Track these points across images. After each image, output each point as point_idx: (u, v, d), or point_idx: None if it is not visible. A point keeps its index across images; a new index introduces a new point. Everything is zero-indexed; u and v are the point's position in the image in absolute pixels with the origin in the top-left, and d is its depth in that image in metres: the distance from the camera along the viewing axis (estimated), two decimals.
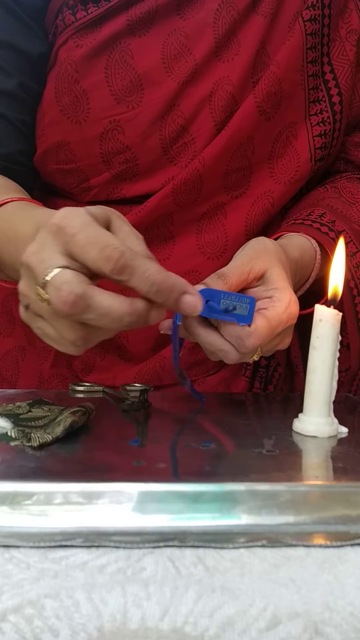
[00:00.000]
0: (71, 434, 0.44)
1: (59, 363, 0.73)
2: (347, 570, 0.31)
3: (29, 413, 0.51)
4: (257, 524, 0.34)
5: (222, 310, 0.45)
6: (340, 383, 0.66)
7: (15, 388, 0.76)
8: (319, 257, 0.59)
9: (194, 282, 0.68)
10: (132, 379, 0.67)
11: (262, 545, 0.32)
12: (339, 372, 0.63)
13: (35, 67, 0.66)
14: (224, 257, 0.67)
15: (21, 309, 0.43)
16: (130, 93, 0.62)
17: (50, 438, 0.42)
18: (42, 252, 0.38)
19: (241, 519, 0.34)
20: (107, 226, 0.41)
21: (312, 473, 0.37)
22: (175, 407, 0.55)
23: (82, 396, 0.59)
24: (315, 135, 0.67)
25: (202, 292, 0.45)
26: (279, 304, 0.47)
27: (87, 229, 0.37)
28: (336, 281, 0.46)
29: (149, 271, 0.37)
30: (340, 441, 0.44)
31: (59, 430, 0.43)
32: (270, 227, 0.71)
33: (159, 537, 0.33)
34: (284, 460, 0.40)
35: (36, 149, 0.69)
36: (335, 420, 0.46)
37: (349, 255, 0.62)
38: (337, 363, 0.46)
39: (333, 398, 0.46)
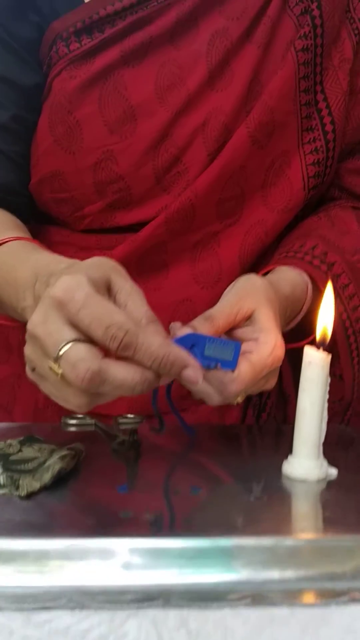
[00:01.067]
0: (59, 479, 0.44)
1: None
2: (331, 632, 0.30)
3: (19, 453, 0.51)
4: (242, 581, 0.34)
5: (207, 356, 0.45)
6: (332, 413, 0.66)
7: (11, 415, 0.77)
8: (310, 291, 0.59)
9: (188, 311, 0.69)
10: (126, 406, 0.67)
11: (246, 605, 0.32)
12: (332, 402, 0.63)
13: (30, 98, 0.66)
14: (218, 287, 0.67)
15: (28, 370, 0.44)
16: (123, 123, 0.63)
17: (38, 486, 0.42)
18: (49, 324, 0.39)
19: (226, 576, 0.34)
20: (108, 286, 0.43)
21: (299, 525, 0.37)
22: (166, 442, 0.55)
23: (74, 429, 0.59)
24: (308, 163, 0.68)
25: (187, 337, 0.45)
26: (264, 347, 0.47)
27: (89, 305, 0.39)
28: (325, 323, 0.45)
29: (151, 348, 0.39)
30: (330, 485, 0.44)
31: (47, 477, 0.43)
32: (265, 256, 0.71)
33: (142, 596, 0.33)
34: (271, 509, 0.39)
35: (31, 178, 0.69)
36: (325, 462, 0.46)
37: (342, 287, 0.62)
38: (326, 405, 0.46)
39: (322, 440, 0.46)
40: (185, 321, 0.67)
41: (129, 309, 0.42)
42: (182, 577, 0.34)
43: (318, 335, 0.46)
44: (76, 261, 0.47)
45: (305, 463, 0.45)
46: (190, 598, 0.33)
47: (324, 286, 0.57)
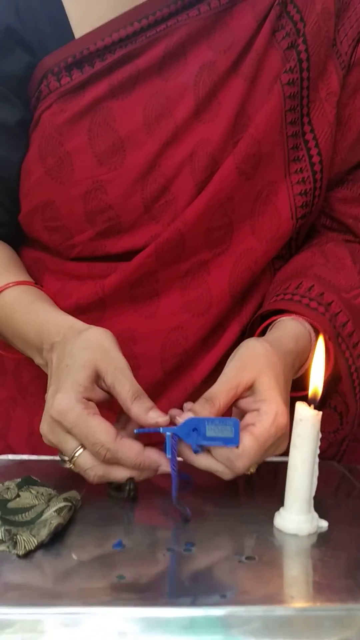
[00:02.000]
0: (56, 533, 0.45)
1: None
2: None
3: (17, 499, 0.52)
4: None
5: (210, 437, 0.48)
6: (328, 444, 0.67)
7: (6, 439, 0.77)
8: (314, 340, 0.60)
9: (179, 338, 0.70)
10: None
11: None
12: (328, 433, 0.64)
13: (13, 136, 0.67)
14: (209, 314, 0.69)
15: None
16: (112, 155, 0.64)
17: (35, 543, 0.43)
18: (56, 435, 0.51)
19: None
20: (98, 376, 0.52)
21: (289, 592, 0.38)
22: (162, 483, 0.55)
23: (71, 467, 0.60)
24: (296, 194, 0.68)
25: (187, 422, 0.48)
26: (265, 417, 0.49)
27: (78, 425, 0.49)
28: (316, 382, 0.46)
29: (130, 458, 0.49)
30: (320, 538, 0.46)
31: (44, 533, 0.44)
32: (255, 285, 0.72)
33: None
34: (261, 572, 0.41)
35: (21, 209, 0.70)
36: (316, 515, 0.47)
37: (341, 326, 0.62)
38: (317, 460, 0.47)
39: (313, 494, 0.47)
40: (177, 348, 0.68)
41: (116, 391, 0.50)
42: None
43: (310, 393, 0.47)
44: (74, 341, 0.54)
45: (297, 518, 0.46)
46: None
47: (322, 328, 0.59)
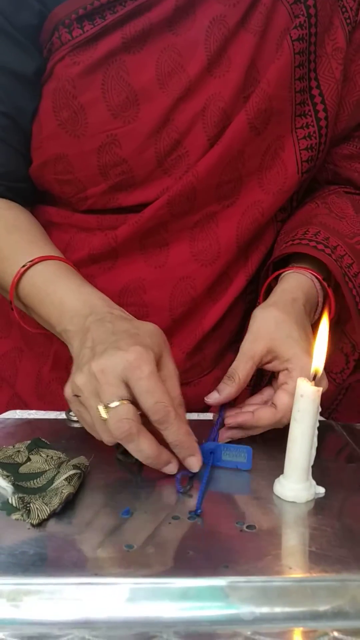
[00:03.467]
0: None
1: (58, 367, 0.76)
2: None
3: (28, 463, 0.54)
4: (234, 618, 0.38)
5: (225, 460, 0.54)
6: (333, 384, 0.71)
7: (14, 387, 0.80)
8: (319, 290, 0.64)
9: (188, 287, 0.73)
10: None
11: None
12: (335, 373, 0.68)
13: (30, 85, 0.66)
14: (217, 264, 0.72)
15: (68, 392, 0.52)
16: (126, 108, 0.64)
17: (48, 512, 0.46)
18: (109, 376, 0.48)
19: (220, 612, 0.38)
20: (159, 359, 0.52)
21: (286, 563, 0.41)
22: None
23: (77, 426, 0.62)
24: (302, 148, 0.70)
25: (206, 445, 0.53)
26: (294, 373, 0.55)
27: (150, 379, 0.48)
28: (317, 363, 0.48)
29: (179, 431, 0.49)
30: (317, 505, 0.48)
31: (56, 502, 0.46)
32: (261, 235, 0.74)
33: (146, 629, 0.37)
34: (261, 541, 0.43)
35: (32, 161, 0.70)
36: (313, 483, 0.49)
37: (347, 266, 0.66)
38: (316, 432, 0.48)
39: (312, 463, 0.49)
40: (185, 297, 0.71)
41: (168, 387, 0.50)
42: (181, 613, 0.38)
43: (312, 371, 0.48)
44: (131, 319, 0.56)
45: (295, 486, 0.48)
46: (188, 635, 0.37)
47: (333, 267, 0.63)
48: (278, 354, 0.56)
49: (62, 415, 0.66)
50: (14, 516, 0.46)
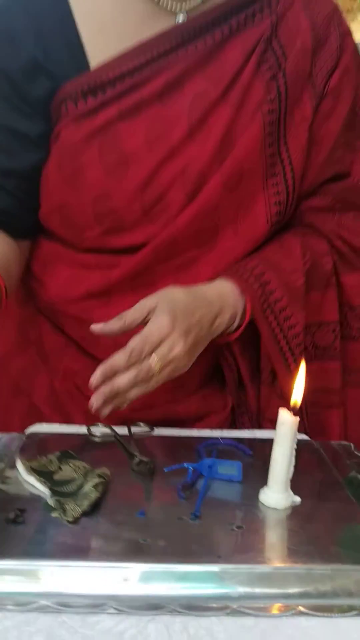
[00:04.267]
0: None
1: (67, 381, 0.89)
2: (281, 637, 0.47)
3: (60, 472, 0.66)
4: (224, 596, 0.50)
5: (220, 473, 0.65)
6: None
7: (31, 398, 0.92)
8: (238, 293, 0.77)
9: None
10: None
11: (227, 614, 0.49)
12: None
13: (33, 145, 0.79)
14: None
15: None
16: (117, 168, 0.76)
17: (80, 512, 0.58)
18: None
19: (213, 592, 0.50)
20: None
21: (267, 555, 0.53)
22: (171, 458, 0.70)
23: (98, 440, 0.75)
24: (272, 204, 0.81)
25: (204, 461, 0.65)
26: (149, 324, 0.68)
27: None
28: (296, 397, 0.60)
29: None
30: (293, 511, 0.60)
31: (86, 504, 0.59)
32: None
33: (156, 605, 0.49)
34: (248, 537, 0.56)
35: (40, 208, 0.83)
36: (291, 493, 0.61)
37: (273, 301, 0.77)
38: (294, 453, 0.61)
39: (290, 477, 0.61)
40: None
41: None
42: (185, 592, 0.50)
43: (292, 403, 0.60)
44: None
45: (276, 495, 0.61)
46: (189, 608, 0.49)
47: (250, 296, 0.75)
48: (154, 312, 0.69)
49: (83, 429, 0.78)
50: (54, 514, 0.58)
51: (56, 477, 0.65)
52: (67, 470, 0.66)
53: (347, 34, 0.82)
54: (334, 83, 0.80)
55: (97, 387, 0.67)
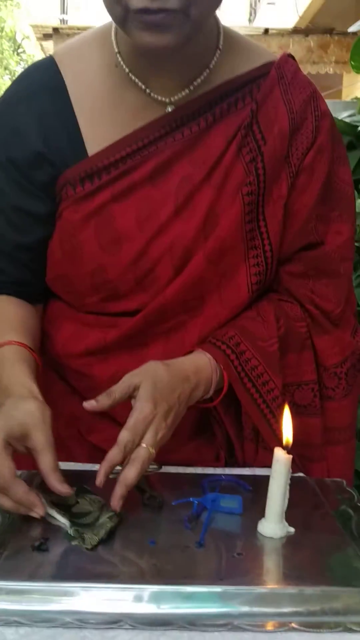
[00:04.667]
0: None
1: (71, 426, 0.96)
2: None
3: (77, 505, 0.73)
4: (226, 614, 0.57)
5: (222, 506, 0.71)
6: None
7: None
8: (214, 365, 0.83)
9: None
10: None
11: (229, 630, 0.55)
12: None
13: (41, 221, 0.88)
14: None
15: None
16: (112, 245, 0.85)
17: (97, 540, 0.65)
18: None
19: (216, 610, 0.57)
20: (26, 435, 0.69)
21: (264, 578, 0.60)
22: (178, 493, 0.77)
23: (112, 477, 0.82)
24: (252, 273, 0.88)
25: (208, 495, 0.72)
26: (134, 413, 0.72)
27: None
28: (287, 435, 0.68)
29: (17, 495, 0.66)
30: (288, 540, 0.67)
31: (102, 533, 0.66)
32: None
33: (167, 622, 0.56)
34: (247, 563, 0.62)
35: (47, 276, 0.92)
36: (286, 524, 0.68)
37: (250, 369, 0.84)
38: (288, 488, 0.68)
39: (285, 509, 0.68)
40: None
41: (38, 459, 0.68)
42: (191, 610, 0.57)
43: (284, 442, 0.68)
44: (22, 399, 0.73)
45: (273, 526, 0.68)
46: (195, 624, 0.56)
47: (226, 367, 0.82)
48: (139, 392, 0.73)
49: (97, 467, 0.85)
50: (74, 542, 0.65)
51: (74, 510, 0.72)
52: (84, 504, 0.73)
53: (324, 115, 0.88)
54: (308, 161, 0.87)
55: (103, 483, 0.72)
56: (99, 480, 0.69)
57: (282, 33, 7.20)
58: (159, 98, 0.84)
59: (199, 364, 0.82)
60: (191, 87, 0.84)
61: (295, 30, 7.25)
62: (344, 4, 6.55)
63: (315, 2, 6.97)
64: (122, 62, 0.84)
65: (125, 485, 0.69)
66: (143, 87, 0.84)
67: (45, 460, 0.68)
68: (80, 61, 0.86)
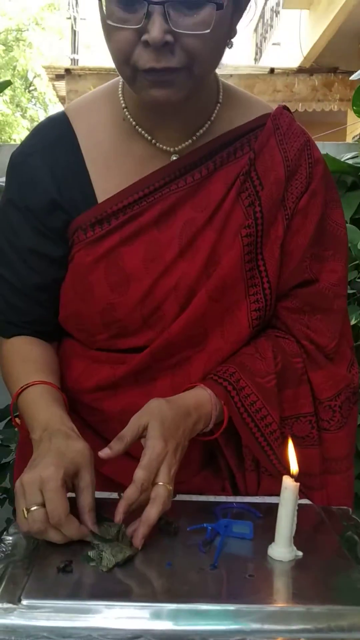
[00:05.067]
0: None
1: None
2: None
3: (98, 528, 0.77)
4: (238, 630, 0.61)
5: (235, 532, 0.76)
6: None
7: None
8: (214, 400, 0.87)
9: None
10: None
11: None
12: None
13: (57, 264, 0.95)
14: None
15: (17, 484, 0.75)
16: (120, 285, 0.91)
17: (114, 562, 0.69)
18: (30, 486, 0.73)
19: (229, 627, 0.61)
20: (77, 472, 0.75)
21: (274, 597, 0.65)
22: (192, 520, 0.81)
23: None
24: (252, 309, 0.94)
25: (221, 521, 0.76)
26: (147, 451, 0.76)
27: (51, 491, 0.71)
28: (293, 464, 0.72)
29: (69, 531, 0.72)
30: (296, 563, 0.71)
31: (120, 557, 0.70)
32: None
33: (183, 639, 0.60)
34: (258, 583, 0.67)
35: (60, 313, 0.98)
36: (294, 548, 0.73)
37: (249, 404, 0.89)
38: (296, 513, 0.72)
39: (293, 534, 0.73)
40: None
41: (81, 496, 0.74)
42: (206, 627, 0.61)
43: (292, 472, 0.73)
44: (69, 437, 0.79)
45: (282, 550, 0.72)
46: (210, 637, 0.60)
47: (227, 402, 0.87)
48: (148, 432, 0.77)
49: (115, 495, 0.90)
50: (91, 564, 0.69)
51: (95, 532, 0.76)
52: (103, 532, 0.77)
53: (317, 162, 0.95)
54: (302, 204, 0.93)
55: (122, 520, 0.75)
56: (118, 518, 0.74)
57: (287, 72, 7.43)
58: (164, 148, 0.91)
59: (200, 399, 0.87)
60: (194, 138, 0.91)
61: (300, 70, 7.48)
62: (347, 44, 6.77)
63: (319, 43, 7.19)
64: (129, 116, 0.92)
65: (148, 525, 0.73)
66: (149, 138, 0.91)
67: (86, 500, 0.75)
68: (91, 116, 0.94)
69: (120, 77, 0.89)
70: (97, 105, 0.95)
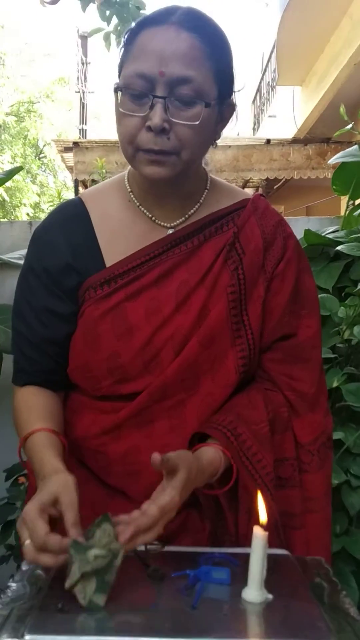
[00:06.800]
0: (119, 597, 0.81)
1: (88, 509, 1.07)
2: None
3: (95, 535, 0.83)
4: None
5: (214, 577, 0.85)
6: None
7: (60, 524, 1.10)
8: (223, 460, 1.00)
9: (168, 452, 0.98)
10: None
11: None
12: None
13: (65, 320, 1.10)
14: (186, 434, 1.05)
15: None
16: (124, 335, 1.07)
17: (77, 576, 0.78)
18: (20, 522, 0.86)
19: None
20: (56, 500, 0.85)
21: (249, 632, 0.75)
22: (176, 567, 0.91)
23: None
24: (238, 357, 1.09)
25: (203, 568, 0.86)
26: (166, 498, 0.86)
27: (29, 522, 0.83)
28: (263, 519, 0.83)
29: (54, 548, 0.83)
30: (267, 605, 0.81)
31: (88, 567, 0.77)
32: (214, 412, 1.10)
33: None
34: (233, 621, 0.77)
35: (69, 364, 1.12)
36: (265, 591, 0.83)
37: (246, 449, 1.01)
38: (265, 560, 0.83)
39: (264, 578, 0.82)
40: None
41: (65, 517, 0.84)
42: None
43: (260, 522, 0.83)
44: (55, 472, 0.91)
45: (254, 592, 0.82)
46: None
47: (228, 448, 1.00)
48: (174, 477, 0.87)
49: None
50: (72, 591, 0.79)
51: (90, 541, 0.82)
52: (102, 536, 0.81)
53: (289, 236, 1.14)
54: (279, 269, 1.11)
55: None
56: (123, 539, 0.83)
57: (282, 142, 7.82)
58: (162, 224, 1.10)
59: (213, 458, 1.00)
60: (186, 216, 1.11)
61: (295, 140, 7.87)
62: (338, 116, 7.13)
63: (312, 115, 7.60)
64: (134, 198, 1.12)
65: (144, 542, 0.85)
66: (149, 215, 1.11)
67: (69, 517, 0.84)
68: (102, 199, 1.14)
69: (125, 171, 1.14)
70: (108, 191, 1.15)
